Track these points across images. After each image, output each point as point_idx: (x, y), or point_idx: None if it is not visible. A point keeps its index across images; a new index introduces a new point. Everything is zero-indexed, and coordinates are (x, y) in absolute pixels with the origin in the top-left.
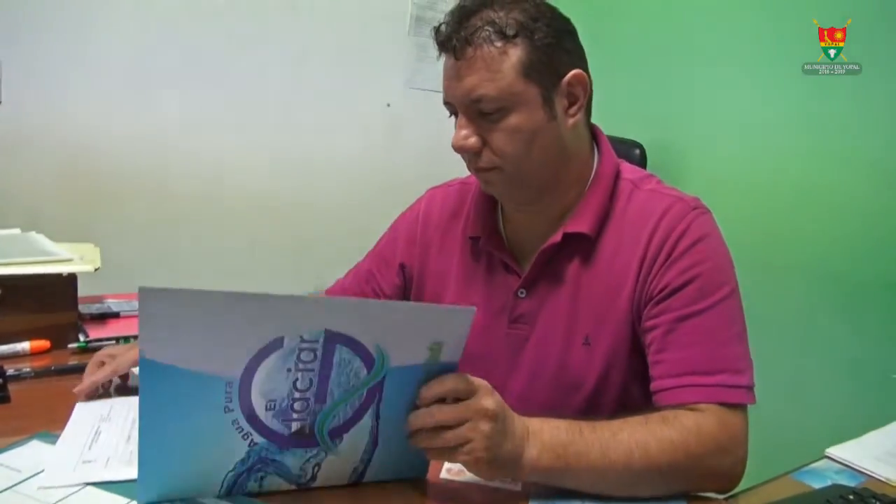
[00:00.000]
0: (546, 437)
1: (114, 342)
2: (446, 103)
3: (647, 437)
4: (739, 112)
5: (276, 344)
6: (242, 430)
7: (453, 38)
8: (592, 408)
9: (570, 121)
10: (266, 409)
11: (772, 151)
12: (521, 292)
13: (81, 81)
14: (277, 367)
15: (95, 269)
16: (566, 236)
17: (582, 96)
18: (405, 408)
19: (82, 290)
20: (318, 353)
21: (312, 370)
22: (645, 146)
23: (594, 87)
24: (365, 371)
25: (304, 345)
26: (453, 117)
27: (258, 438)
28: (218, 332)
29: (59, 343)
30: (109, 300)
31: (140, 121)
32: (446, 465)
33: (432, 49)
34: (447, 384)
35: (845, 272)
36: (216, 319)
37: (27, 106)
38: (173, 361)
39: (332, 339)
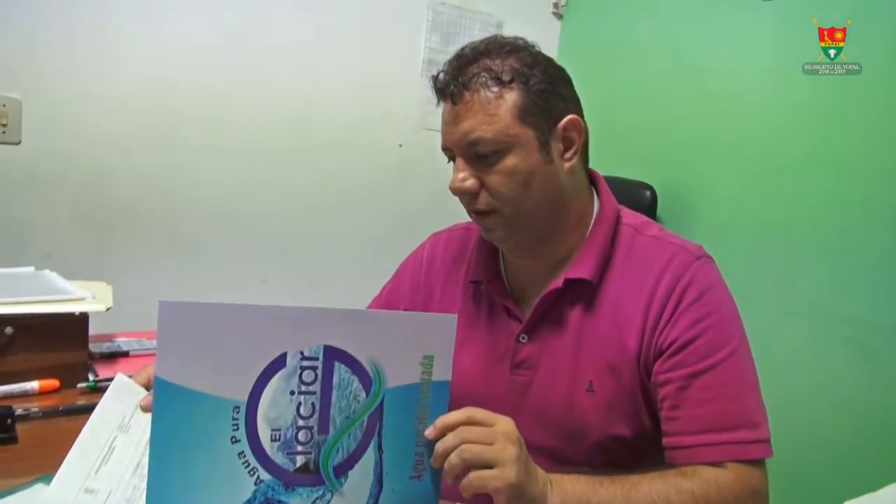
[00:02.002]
0: (567, 486)
1: None
2: (445, 149)
3: (667, 488)
4: (749, 145)
5: (280, 362)
6: (249, 464)
7: (451, 85)
8: (599, 455)
9: (567, 165)
10: (272, 441)
11: (787, 186)
12: (523, 337)
13: (98, 120)
14: (281, 389)
15: (107, 309)
16: (568, 282)
17: (577, 140)
18: (407, 443)
19: (94, 329)
20: (319, 373)
21: (314, 393)
22: (655, 188)
23: (602, 131)
24: (364, 393)
25: (305, 362)
26: (452, 163)
27: (264, 475)
28: (229, 346)
29: (68, 382)
30: (120, 339)
31: (156, 160)
32: None
33: None
34: (463, 412)
35: (861, 316)
36: (228, 332)
37: (46, 145)
38: (185, 382)
39: (331, 355)
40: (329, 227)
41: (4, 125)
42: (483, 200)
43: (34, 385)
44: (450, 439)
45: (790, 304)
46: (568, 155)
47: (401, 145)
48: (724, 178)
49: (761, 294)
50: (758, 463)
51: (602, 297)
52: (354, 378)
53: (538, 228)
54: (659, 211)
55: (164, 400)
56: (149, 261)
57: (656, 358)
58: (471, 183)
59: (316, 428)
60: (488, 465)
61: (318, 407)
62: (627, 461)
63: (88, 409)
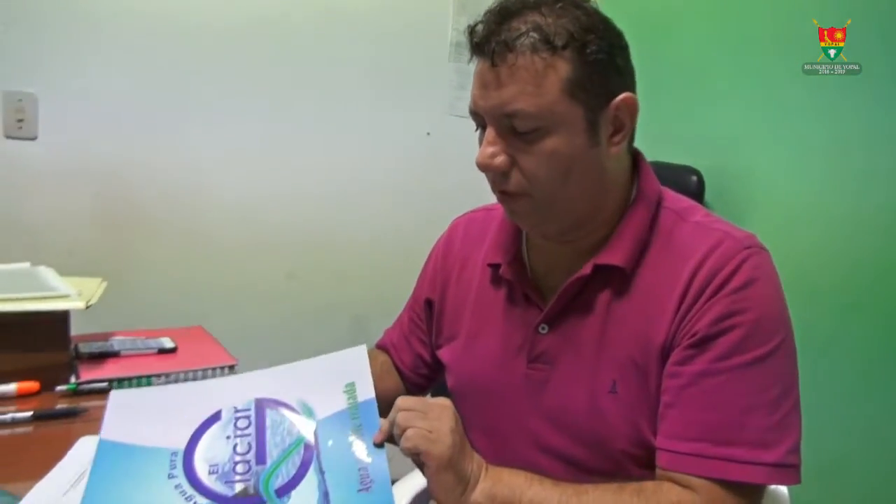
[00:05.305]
0: (504, 476)
1: (106, 384)
2: (473, 113)
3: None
4: (809, 124)
5: (215, 417)
6: (185, 493)
7: (492, 41)
8: (629, 465)
9: (614, 149)
10: (209, 473)
11: (852, 167)
12: (543, 328)
13: (115, 116)
14: (217, 435)
15: (87, 306)
16: (597, 268)
17: (629, 123)
18: (348, 461)
19: (107, 327)
20: (252, 419)
21: (250, 434)
22: (702, 172)
23: (643, 108)
24: (296, 428)
25: (239, 413)
26: (479, 131)
27: (202, 500)
28: (166, 415)
29: (49, 385)
30: (117, 337)
31: (174, 155)
32: None
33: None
34: (397, 401)
35: None
36: (166, 405)
37: (62, 140)
38: (127, 440)
39: (262, 404)
40: (355, 220)
41: (21, 120)
42: (514, 181)
43: (11, 388)
44: (390, 416)
45: (857, 298)
46: (616, 138)
47: (429, 133)
48: (779, 160)
49: (825, 289)
50: (748, 490)
51: (634, 288)
52: (286, 418)
53: (572, 217)
54: (706, 198)
55: (105, 455)
56: (170, 258)
57: (674, 349)
58: (501, 160)
59: (253, 460)
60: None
61: (254, 444)
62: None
63: (64, 415)
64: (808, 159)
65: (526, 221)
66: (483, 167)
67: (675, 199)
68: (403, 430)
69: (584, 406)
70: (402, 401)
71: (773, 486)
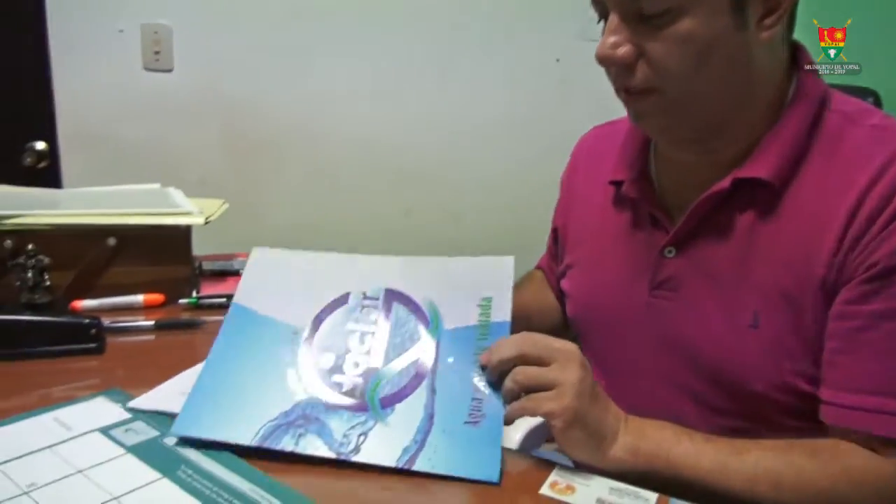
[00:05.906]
0: (648, 430)
1: (224, 299)
2: (595, 3)
3: (783, 468)
4: None
5: (343, 300)
6: (295, 381)
7: None
8: (767, 408)
9: (765, 34)
10: (323, 365)
11: None
12: (669, 251)
13: (246, 49)
14: (340, 321)
15: (206, 222)
16: (738, 183)
17: (786, 0)
18: (464, 386)
19: (231, 249)
20: (378, 312)
21: (371, 328)
22: (881, 95)
23: (807, 19)
24: (420, 333)
25: (367, 302)
26: (602, 22)
27: (307, 394)
28: (300, 285)
29: (173, 298)
30: (238, 259)
31: (301, 88)
32: (551, 478)
33: None
34: (518, 335)
35: None
36: (301, 274)
37: (196, 72)
38: (257, 308)
39: (391, 297)
40: (479, 153)
41: (158, 52)
42: (641, 75)
43: (138, 299)
44: (504, 349)
45: None
46: (769, 21)
47: (558, 60)
48: None
49: None
50: None
51: (786, 205)
52: (412, 318)
53: (709, 117)
54: None
55: (235, 320)
56: (293, 189)
57: (846, 282)
58: (625, 50)
59: (368, 360)
60: (545, 388)
61: (373, 341)
62: (803, 422)
63: (183, 326)
64: None
65: (655, 124)
66: (604, 59)
67: (844, 101)
68: (520, 388)
69: (715, 339)
70: (525, 345)
71: None
